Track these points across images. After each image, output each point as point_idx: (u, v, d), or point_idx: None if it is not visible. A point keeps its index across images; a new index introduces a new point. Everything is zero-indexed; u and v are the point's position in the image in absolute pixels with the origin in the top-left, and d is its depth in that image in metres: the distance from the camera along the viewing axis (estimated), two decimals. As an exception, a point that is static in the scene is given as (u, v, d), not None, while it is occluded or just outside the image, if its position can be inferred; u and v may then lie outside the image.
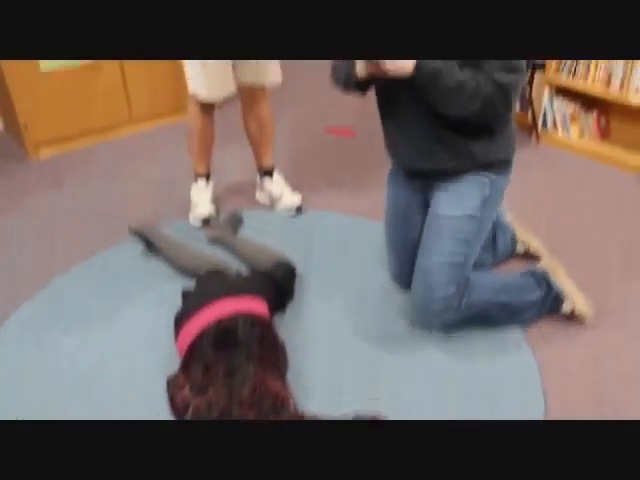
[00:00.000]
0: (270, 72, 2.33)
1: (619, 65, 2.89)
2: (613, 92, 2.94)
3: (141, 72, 3.26)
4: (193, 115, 2.34)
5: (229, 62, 2.23)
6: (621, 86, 2.92)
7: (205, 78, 2.20)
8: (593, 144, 3.14)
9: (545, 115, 3.23)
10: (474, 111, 1.62)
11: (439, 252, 1.79)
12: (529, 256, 2.22)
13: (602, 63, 2.96)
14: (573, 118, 3.17)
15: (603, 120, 3.17)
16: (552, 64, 3.11)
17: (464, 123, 1.70)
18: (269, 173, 2.55)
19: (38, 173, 2.99)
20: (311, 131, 3.38)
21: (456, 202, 1.81)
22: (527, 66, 1.68)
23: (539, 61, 3.13)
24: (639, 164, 2.92)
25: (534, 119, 3.21)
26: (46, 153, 3.15)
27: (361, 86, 1.79)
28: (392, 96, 1.79)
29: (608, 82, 2.96)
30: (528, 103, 3.22)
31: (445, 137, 1.75)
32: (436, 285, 1.76)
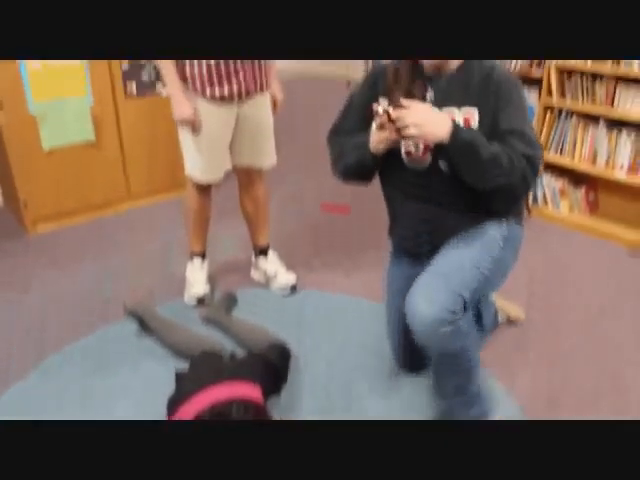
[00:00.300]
0: (266, 155, 2.40)
1: (603, 143, 2.99)
2: (599, 169, 3.03)
3: (140, 149, 3.34)
4: (189, 195, 2.39)
5: (225, 145, 2.29)
6: (606, 163, 3.01)
7: (200, 160, 2.26)
8: (583, 218, 3.20)
9: (535, 190, 3.31)
10: (511, 184, 1.57)
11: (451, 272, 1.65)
12: (511, 323, 2.31)
13: (587, 141, 3.06)
14: (562, 193, 3.25)
15: (592, 195, 3.24)
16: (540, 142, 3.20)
17: (487, 200, 1.67)
18: (264, 252, 2.59)
19: (35, 249, 3.02)
20: (306, 208, 3.45)
21: (471, 243, 1.72)
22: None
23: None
24: (628, 237, 2.97)
25: (524, 194, 3.28)
26: (44, 228, 3.19)
27: (372, 168, 1.75)
28: (406, 180, 1.75)
29: (594, 159, 3.06)
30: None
31: (466, 217, 1.72)
32: (436, 300, 1.57)
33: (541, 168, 1.64)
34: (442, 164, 1.67)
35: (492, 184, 1.58)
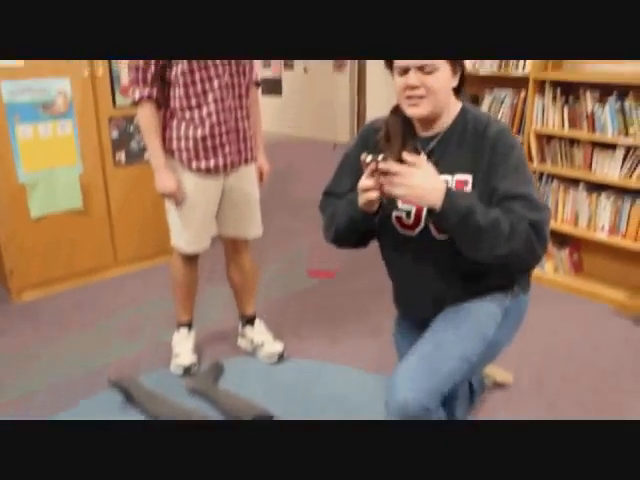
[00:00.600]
0: (252, 226, 2.41)
1: (584, 205, 3.05)
2: (581, 230, 3.09)
3: (127, 216, 3.37)
4: (175, 265, 2.39)
5: (211, 217, 2.31)
6: (588, 225, 3.06)
7: (186, 232, 2.27)
8: (567, 278, 3.23)
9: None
10: (513, 252, 1.43)
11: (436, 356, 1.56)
12: (499, 386, 2.30)
13: (569, 204, 3.12)
14: (547, 254, 3.28)
15: (576, 255, 3.28)
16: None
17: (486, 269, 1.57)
18: (251, 321, 2.58)
19: (19, 317, 2.99)
20: (293, 275, 3.46)
21: (478, 300, 1.67)
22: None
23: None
24: (614, 297, 3.00)
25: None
26: (30, 296, 3.17)
27: (363, 229, 1.64)
28: (404, 245, 1.66)
29: (576, 221, 3.12)
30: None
31: (467, 288, 1.65)
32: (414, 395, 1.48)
33: (548, 232, 1.49)
34: (434, 232, 1.58)
35: (492, 254, 1.45)
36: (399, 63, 1.50)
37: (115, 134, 3.19)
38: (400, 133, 1.60)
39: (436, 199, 1.42)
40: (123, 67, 3.09)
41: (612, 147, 2.92)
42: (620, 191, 2.96)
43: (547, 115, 3.12)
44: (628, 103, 2.80)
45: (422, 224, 1.60)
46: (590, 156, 3.02)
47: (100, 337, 2.79)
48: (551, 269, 3.30)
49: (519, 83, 3.23)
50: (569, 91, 3.06)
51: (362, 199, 1.50)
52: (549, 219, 1.51)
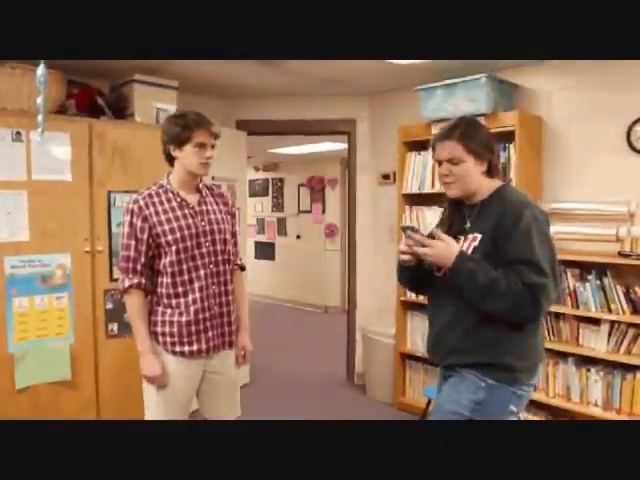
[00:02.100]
0: (230, 407, 2.36)
1: (575, 379, 3.05)
2: (574, 404, 3.05)
3: (115, 386, 3.30)
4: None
5: (189, 400, 2.27)
6: (580, 399, 3.04)
7: (160, 414, 2.23)
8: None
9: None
10: (504, 309, 1.72)
11: None
12: None
13: (560, 377, 3.12)
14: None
15: (571, 431, 3.21)
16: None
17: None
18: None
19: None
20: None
21: (449, 395, 1.89)
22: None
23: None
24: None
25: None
26: None
27: (406, 277, 2.05)
28: (436, 292, 1.99)
29: (568, 395, 3.09)
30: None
31: (462, 341, 1.85)
32: None
33: (542, 297, 1.71)
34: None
35: (488, 307, 1.75)
36: (435, 157, 1.92)
37: (110, 305, 3.25)
38: (451, 208, 2.01)
39: (448, 263, 1.79)
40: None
41: (597, 321, 2.99)
42: (609, 365, 2.97)
43: (531, 290, 3.22)
44: (607, 281, 2.92)
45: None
46: (577, 330, 3.08)
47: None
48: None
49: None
50: (550, 268, 3.19)
51: (400, 257, 1.95)
52: (549, 287, 1.71)
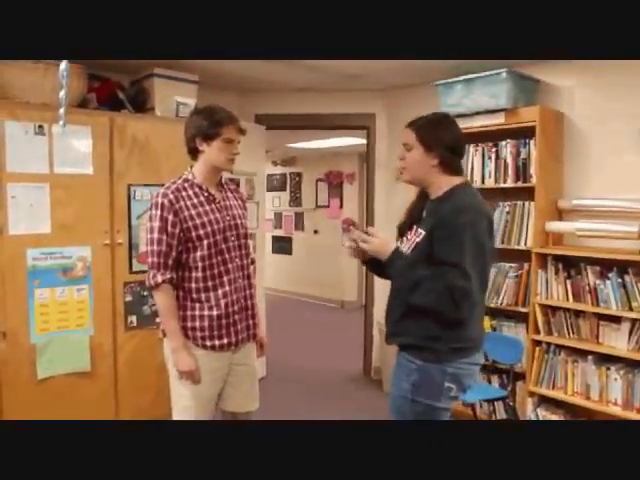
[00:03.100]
0: (252, 399, 2.38)
1: (594, 378, 3.02)
2: (593, 403, 3.02)
3: (134, 378, 3.34)
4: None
5: (215, 394, 2.28)
6: (600, 398, 3.00)
7: (191, 413, 2.23)
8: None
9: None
10: (427, 305, 1.83)
11: None
12: None
13: (578, 375, 3.09)
14: (560, 427, 3.19)
15: (590, 429, 3.18)
16: (532, 375, 3.24)
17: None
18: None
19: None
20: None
21: (394, 381, 2.02)
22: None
23: (518, 370, 3.27)
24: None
25: (521, 428, 3.22)
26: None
27: (368, 267, 2.19)
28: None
29: (587, 394, 3.06)
30: (512, 413, 3.26)
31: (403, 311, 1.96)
32: None
33: (460, 298, 1.80)
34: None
35: (411, 299, 1.86)
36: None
37: (129, 298, 3.28)
38: (410, 206, 2.10)
39: (384, 256, 1.92)
40: (141, 237, 3.24)
41: (617, 319, 2.95)
42: (630, 364, 2.94)
43: (551, 287, 3.19)
44: (629, 279, 2.88)
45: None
46: (597, 328, 3.05)
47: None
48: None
49: (522, 256, 3.35)
50: (570, 265, 3.16)
51: (347, 252, 2.12)
52: (468, 289, 1.78)
